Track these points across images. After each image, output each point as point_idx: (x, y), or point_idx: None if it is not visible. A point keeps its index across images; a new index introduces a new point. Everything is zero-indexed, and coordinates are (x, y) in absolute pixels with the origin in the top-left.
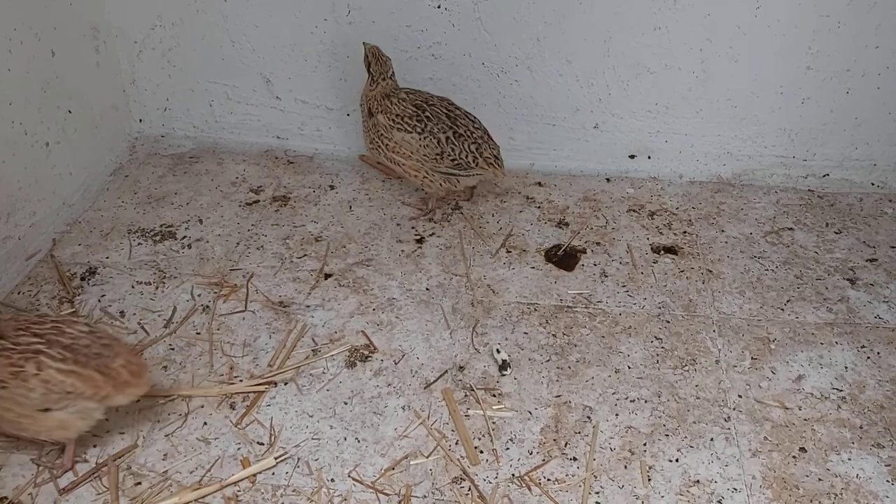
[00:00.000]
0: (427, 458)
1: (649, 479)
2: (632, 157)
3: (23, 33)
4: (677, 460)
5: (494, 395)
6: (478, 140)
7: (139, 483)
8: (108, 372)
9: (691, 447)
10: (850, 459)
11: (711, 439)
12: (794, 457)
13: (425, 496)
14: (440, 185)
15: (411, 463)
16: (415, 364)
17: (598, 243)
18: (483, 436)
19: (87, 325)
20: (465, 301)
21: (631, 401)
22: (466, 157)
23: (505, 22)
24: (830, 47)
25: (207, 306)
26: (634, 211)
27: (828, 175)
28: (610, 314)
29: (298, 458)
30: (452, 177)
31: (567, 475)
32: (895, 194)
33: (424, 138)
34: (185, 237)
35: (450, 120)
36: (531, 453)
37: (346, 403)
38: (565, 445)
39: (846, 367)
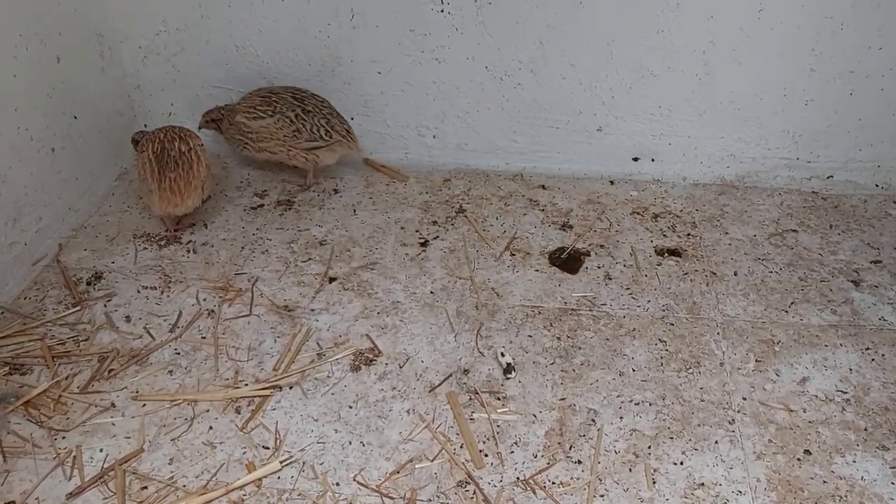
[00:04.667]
0: (432, 461)
1: (654, 482)
2: (635, 159)
3: (28, 39)
4: (682, 463)
5: (499, 399)
6: (327, 115)
7: (145, 487)
8: None
9: (696, 450)
10: (854, 462)
11: (716, 442)
12: (798, 459)
13: (430, 500)
14: (305, 160)
15: (416, 467)
16: (419, 367)
17: (601, 246)
18: (488, 439)
19: None
20: (470, 304)
21: (635, 403)
22: (318, 130)
23: (508, 26)
24: (834, 49)
25: (212, 310)
26: (638, 213)
27: (831, 177)
28: (614, 317)
29: (304, 463)
30: (313, 152)
31: (572, 478)
32: None
33: (277, 120)
34: (189, 241)
35: (296, 101)
36: (536, 456)
37: (350, 407)
38: (570, 448)
39: (850, 370)
